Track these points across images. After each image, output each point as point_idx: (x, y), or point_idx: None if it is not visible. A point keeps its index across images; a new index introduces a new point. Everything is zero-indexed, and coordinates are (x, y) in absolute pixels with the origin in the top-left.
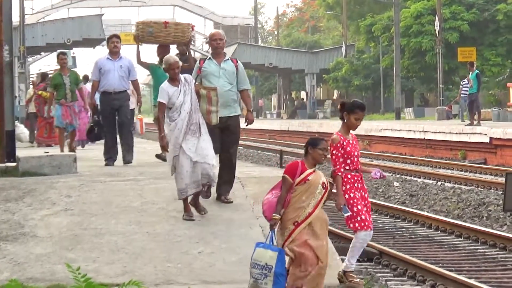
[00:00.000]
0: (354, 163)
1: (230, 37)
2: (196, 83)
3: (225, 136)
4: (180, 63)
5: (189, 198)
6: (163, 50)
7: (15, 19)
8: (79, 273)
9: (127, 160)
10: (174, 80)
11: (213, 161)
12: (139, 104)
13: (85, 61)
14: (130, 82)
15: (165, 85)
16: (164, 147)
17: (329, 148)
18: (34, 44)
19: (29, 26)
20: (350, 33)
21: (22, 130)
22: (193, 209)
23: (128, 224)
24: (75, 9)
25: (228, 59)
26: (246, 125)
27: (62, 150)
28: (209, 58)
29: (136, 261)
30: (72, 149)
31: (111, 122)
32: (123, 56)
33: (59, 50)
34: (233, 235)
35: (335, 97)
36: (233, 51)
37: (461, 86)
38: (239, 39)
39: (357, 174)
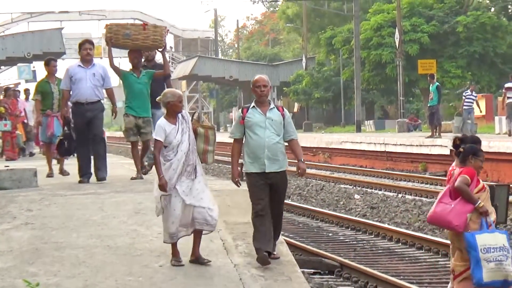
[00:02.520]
0: None
1: (190, 50)
2: (193, 120)
3: (274, 192)
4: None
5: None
6: (137, 55)
7: None
8: None
9: (101, 177)
10: (172, 117)
11: (209, 204)
12: (114, 114)
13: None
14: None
15: (162, 122)
16: (164, 187)
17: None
18: None
19: None
20: (310, 45)
21: None
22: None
23: (89, 237)
24: (35, 23)
25: (274, 107)
26: (298, 176)
27: (50, 169)
28: (253, 106)
29: (97, 275)
30: (62, 171)
31: (84, 135)
32: (96, 63)
33: (49, 57)
34: None
35: (295, 109)
36: (193, 64)
37: (463, 97)
38: (200, 52)
39: None
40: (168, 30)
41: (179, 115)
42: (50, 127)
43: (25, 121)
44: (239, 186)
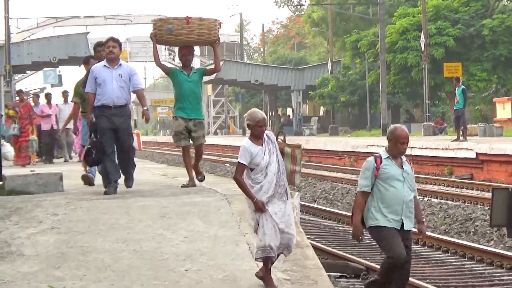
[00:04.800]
0: None
1: None
2: (279, 140)
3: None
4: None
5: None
6: (186, 51)
7: (1, 38)
8: None
9: (128, 184)
10: (257, 138)
11: (294, 231)
12: (144, 117)
13: (71, 79)
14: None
15: (247, 143)
16: (262, 208)
17: None
18: (20, 63)
19: (14, 44)
20: (335, 49)
21: (8, 149)
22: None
23: (115, 242)
24: (61, 28)
25: (405, 160)
26: (421, 240)
27: (86, 172)
28: (387, 157)
29: (123, 279)
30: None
31: (110, 142)
32: (123, 63)
33: (88, 55)
34: (220, 252)
35: (321, 113)
36: None
37: None
38: (225, 56)
39: None
40: (221, 23)
41: (265, 135)
42: None
43: (54, 126)
44: (360, 242)
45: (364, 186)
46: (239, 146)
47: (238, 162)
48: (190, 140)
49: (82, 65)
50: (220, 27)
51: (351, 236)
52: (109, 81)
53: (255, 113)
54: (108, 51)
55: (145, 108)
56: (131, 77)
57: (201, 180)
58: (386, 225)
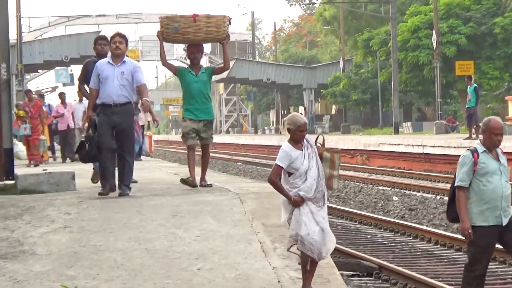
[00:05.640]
0: None
1: None
2: (318, 144)
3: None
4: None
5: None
6: (195, 49)
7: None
8: None
9: (122, 193)
10: (297, 142)
11: (330, 236)
12: (143, 107)
13: None
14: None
15: (288, 147)
16: (299, 203)
17: None
18: (31, 62)
19: (26, 43)
20: (347, 47)
21: (20, 148)
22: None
23: (127, 240)
24: (73, 27)
25: (500, 152)
26: None
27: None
28: (484, 151)
29: (135, 278)
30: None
31: (109, 142)
32: (128, 60)
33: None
34: (232, 250)
35: (333, 112)
36: (231, 67)
37: None
38: (237, 55)
39: None
40: (231, 19)
41: (304, 140)
42: None
43: (70, 125)
44: (469, 239)
45: (462, 181)
46: (251, 145)
47: (276, 164)
48: (197, 139)
49: None
50: (230, 23)
51: (461, 235)
52: (111, 79)
53: (296, 118)
54: (115, 46)
55: (145, 99)
56: (133, 74)
57: (202, 186)
58: (483, 224)
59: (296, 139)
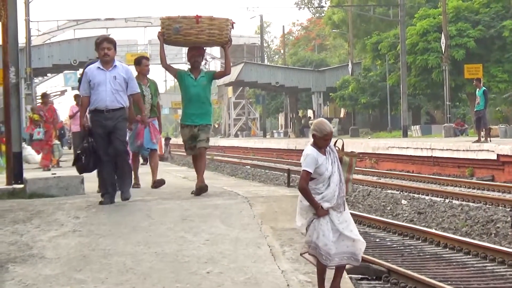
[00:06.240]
0: None
1: (236, 56)
2: (336, 148)
3: None
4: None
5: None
6: (196, 52)
7: (21, 40)
8: None
9: (124, 197)
10: (320, 147)
11: (357, 236)
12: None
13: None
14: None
15: (314, 152)
16: (324, 215)
17: None
18: (40, 66)
19: (35, 47)
20: (356, 51)
21: (29, 152)
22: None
23: (136, 244)
24: (81, 30)
25: None
26: None
27: (136, 178)
28: None
29: (144, 282)
30: (155, 182)
31: (105, 148)
32: (119, 64)
33: (140, 55)
34: (241, 254)
35: (342, 115)
36: (240, 70)
37: None
38: (245, 58)
39: None
40: (234, 23)
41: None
42: (140, 136)
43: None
44: None
45: None
46: (260, 149)
47: (304, 170)
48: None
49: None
50: (233, 27)
51: None
52: (103, 84)
53: (324, 125)
54: (103, 53)
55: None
56: (127, 80)
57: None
58: None
59: (320, 146)
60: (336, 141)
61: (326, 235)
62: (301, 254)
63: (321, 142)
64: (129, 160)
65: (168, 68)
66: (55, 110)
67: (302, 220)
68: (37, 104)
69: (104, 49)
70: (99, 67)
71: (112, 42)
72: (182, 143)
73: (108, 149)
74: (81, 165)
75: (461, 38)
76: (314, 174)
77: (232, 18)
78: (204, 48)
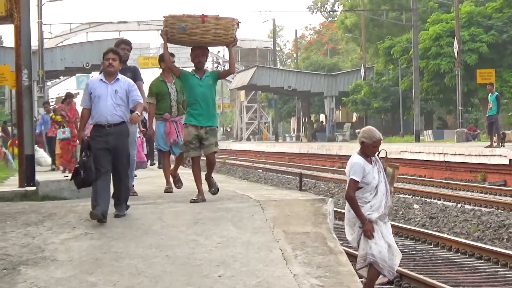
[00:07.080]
0: None
1: (248, 60)
2: (382, 159)
3: None
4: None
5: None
6: (200, 52)
7: (34, 43)
8: None
9: (119, 214)
10: (367, 156)
11: (396, 252)
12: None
13: None
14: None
15: (361, 160)
16: (371, 233)
17: None
18: (53, 68)
19: (48, 50)
20: (369, 55)
21: (41, 154)
22: None
23: (148, 247)
24: (94, 33)
25: None
26: None
27: (168, 182)
28: None
29: (156, 285)
30: (174, 178)
31: (105, 162)
32: (121, 77)
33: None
34: (253, 258)
35: (354, 119)
36: (252, 74)
37: None
38: (258, 62)
39: None
40: (240, 22)
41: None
42: (172, 133)
43: None
44: None
45: None
46: (272, 152)
47: (352, 178)
48: (200, 150)
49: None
50: (238, 26)
51: None
52: (104, 98)
53: (373, 133)
54: (108, 63)
55: (136, 112)
56: (129, 93)
57: (214, 193)
58: None
59: (368, 154)
60: (380, 151)
61: (378, 243)
62: (357, 270)
63: (370, 150)
64: (127, 180)
65: (172, 68)
66: (77, 111)
67: (352, 234)
68: (55, 106)
69: (110, 59)
70: (101, 79)
71: (118, 54)
72: (182, 143)
73: (107, 161)
74: (80, 179)
75: (473, 43)
76: (361, 183)
77: (237, 18)
78: (207, 48)
